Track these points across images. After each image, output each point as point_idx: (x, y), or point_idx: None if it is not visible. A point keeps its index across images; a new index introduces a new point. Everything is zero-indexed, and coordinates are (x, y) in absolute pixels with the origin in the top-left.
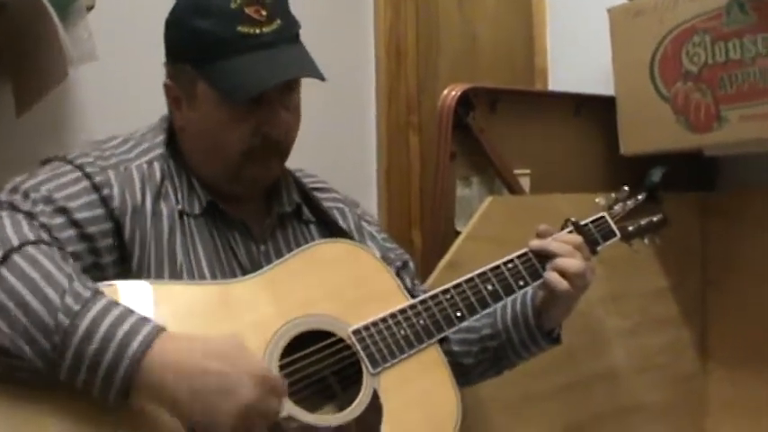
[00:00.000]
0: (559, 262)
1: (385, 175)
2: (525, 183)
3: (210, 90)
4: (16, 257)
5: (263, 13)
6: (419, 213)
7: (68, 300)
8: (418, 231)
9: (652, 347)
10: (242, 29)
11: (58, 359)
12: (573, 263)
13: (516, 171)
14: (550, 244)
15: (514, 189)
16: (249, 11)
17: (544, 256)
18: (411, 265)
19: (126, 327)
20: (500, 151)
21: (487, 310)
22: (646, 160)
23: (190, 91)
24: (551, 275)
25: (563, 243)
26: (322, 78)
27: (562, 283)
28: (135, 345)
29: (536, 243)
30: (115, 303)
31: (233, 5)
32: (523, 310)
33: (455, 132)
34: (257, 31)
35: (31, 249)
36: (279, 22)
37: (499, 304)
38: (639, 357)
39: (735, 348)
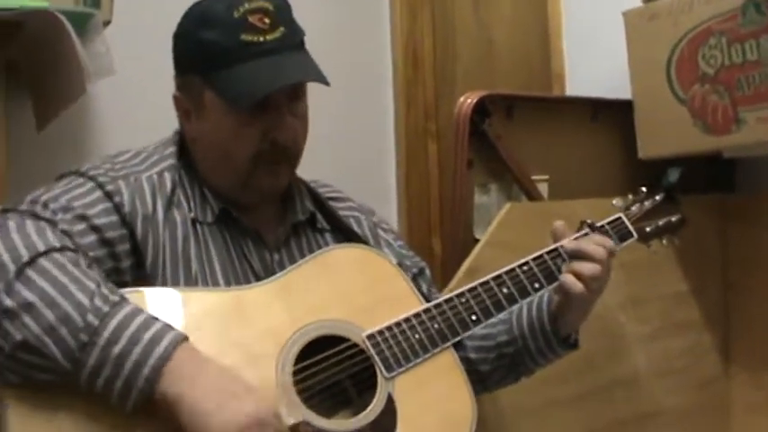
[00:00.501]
0: (575, 264)
1: (404, 182)
2: (543, 189)
3: (217, 99)
4: (43, 262)
5: (267, 21)
6: (439, 221)
7: (97, 301)
8: (438, 239)
9: (673, 352)
10: (245, 37)
11: (83, 358)
12: (588, 265)
13: (534, 177)
14: (588, 246)
15: (533, 195)
16: (252, 19)
17: (560, 257)
18: (428, 272)
19: (152, 331)
20: (517, 158)
21: (503, 314)
22: (664, 164)
23: (198, 101)
24: (566, 278)
25: (598, 246)
26: (326, 83)
27: (577, 285)
28: (161, 348)
29: (573, 245)
30: (141, 310)
31: (236, 15)
32: (539, 316)
33: (472, 140)
34: (261, 38)
35: (57, 255)
36: (282, 29)
37: (515, 307)
38: (660, 362)
39: (757, 351)
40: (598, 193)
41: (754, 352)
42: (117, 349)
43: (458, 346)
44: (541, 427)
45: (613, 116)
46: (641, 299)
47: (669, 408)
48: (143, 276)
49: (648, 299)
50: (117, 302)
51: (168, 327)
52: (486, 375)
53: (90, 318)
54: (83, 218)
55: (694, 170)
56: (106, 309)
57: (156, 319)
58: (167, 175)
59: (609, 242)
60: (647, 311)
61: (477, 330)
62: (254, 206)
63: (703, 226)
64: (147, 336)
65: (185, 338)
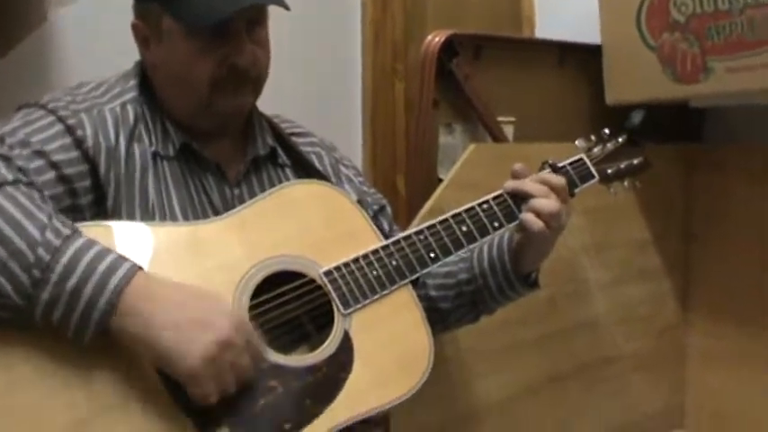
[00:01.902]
0: (534, 202)
1: (370, 122)
2: (509, 131)
3: (175, 24)
4: None
5: None
6: (404, 160)
7: (49, 235)
8: (402, 178)
9: (634, 298)
10: None
11: (36, 294)
12: (548, 203)
13: (500, 119)
14: (525, 184)
15: (498, 137)
16: None
17: (520, 198)
18: (389, 209)
19: (106, 263)
20: (484, 98)
21: (462, 251)
22: (631, 110)
23: (156, 28)
24: (526, 216)
25: (538, 183)
26: (286, 7)
27: (537, 224)
28: (115, 279)
29: (511, 184)
30: (94, 242)
31: None
32: (500, 254)
33: (438, 79)
34: None
35: (9, 189)
36: None
37: (474, 246)
38: (621, 308)
39: (715, 301)
40: (564, 136)
41: (711, 302)
42: (71, 284)
43: (419, 285)
44: (502, 369)
45: (581, 60)
46: (604, 245)
47: (629, 353)
48: (104, 213)
49: (611, 245)
50: (69, 236)
51: (122, 258)
52: (446, 313)
53: (41, 252)
54: (40, 154)
55: (661, 119)
56: (57, 243)
57: (110, 250)
58: (130, 108)
59: (555, 179)
60: (609, 257)
61: (436, 268)
62: (216, 137)
63: (668, 175)
64: (101, 268)
65: (140, 268)
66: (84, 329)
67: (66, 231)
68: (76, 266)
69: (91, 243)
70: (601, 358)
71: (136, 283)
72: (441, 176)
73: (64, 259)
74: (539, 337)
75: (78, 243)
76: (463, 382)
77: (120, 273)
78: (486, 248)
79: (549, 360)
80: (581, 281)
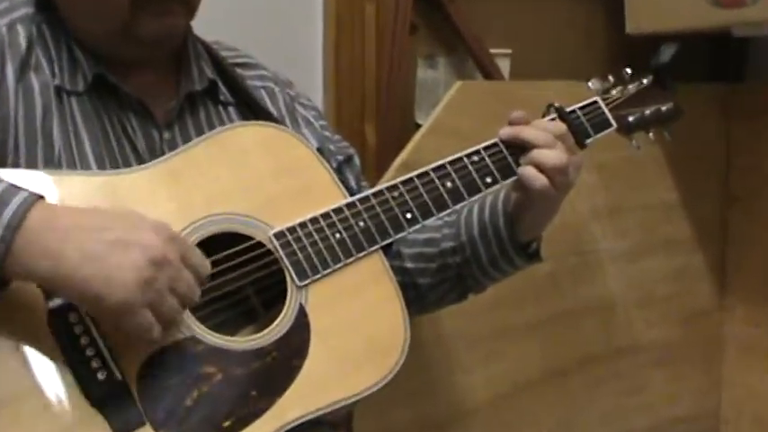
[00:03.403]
0: (536, 154)
1: (333, 53)
2: (504, 65)
3: None
4: None
5: None
6: (374, 102)
7: None
8: (373, 124)
9: (656, 275)
10: None
11: None
12: (552, 154)
13: (493, 50)
14: (524, 131)
15: (490, 72)
16: None
17: (519, 148)
18: (356, 160)
19: None
20: (473, 25)
21: (445, 213)
22: (658, 42)
23: None
24: (526, 170)
25: (541, 131)
26: None
27: (539, 179)
28: (8, 213)
29: (507, 131)
30: None
31: None
32: (493, 218)
33: (417, 0)
34: None
35: None
36: None
37: (461, 206)
38: (640, 287)
39: (759, 281)
40: (572, 74)
41: (754, 281)
42: None
43: (392, 254)
44: (493, 359)
45: None
46: (621, 208)
47: (649, 343)
48: None
49: (629, 209)
50: None
51: (15, 187)
52: (425, 290)
53: None
54: None
55: (696, 52)
56: None
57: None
58: (21, 29)
59: (559, 126)
60: (626, 224)
61: (414, 234)
62: (139, 67)
63: (703, 123)
64: None
65: (39, 196)
66: None
67: None
68: None
69: None
70: (613, 349)
71: (35, 215)
72: (419, 121)
73: None
74: (537, 322)
75: None
76: (444, 375)
77: (15, 204)
78: (476, 210)
79: (548, 350)
80: (590, 252)
